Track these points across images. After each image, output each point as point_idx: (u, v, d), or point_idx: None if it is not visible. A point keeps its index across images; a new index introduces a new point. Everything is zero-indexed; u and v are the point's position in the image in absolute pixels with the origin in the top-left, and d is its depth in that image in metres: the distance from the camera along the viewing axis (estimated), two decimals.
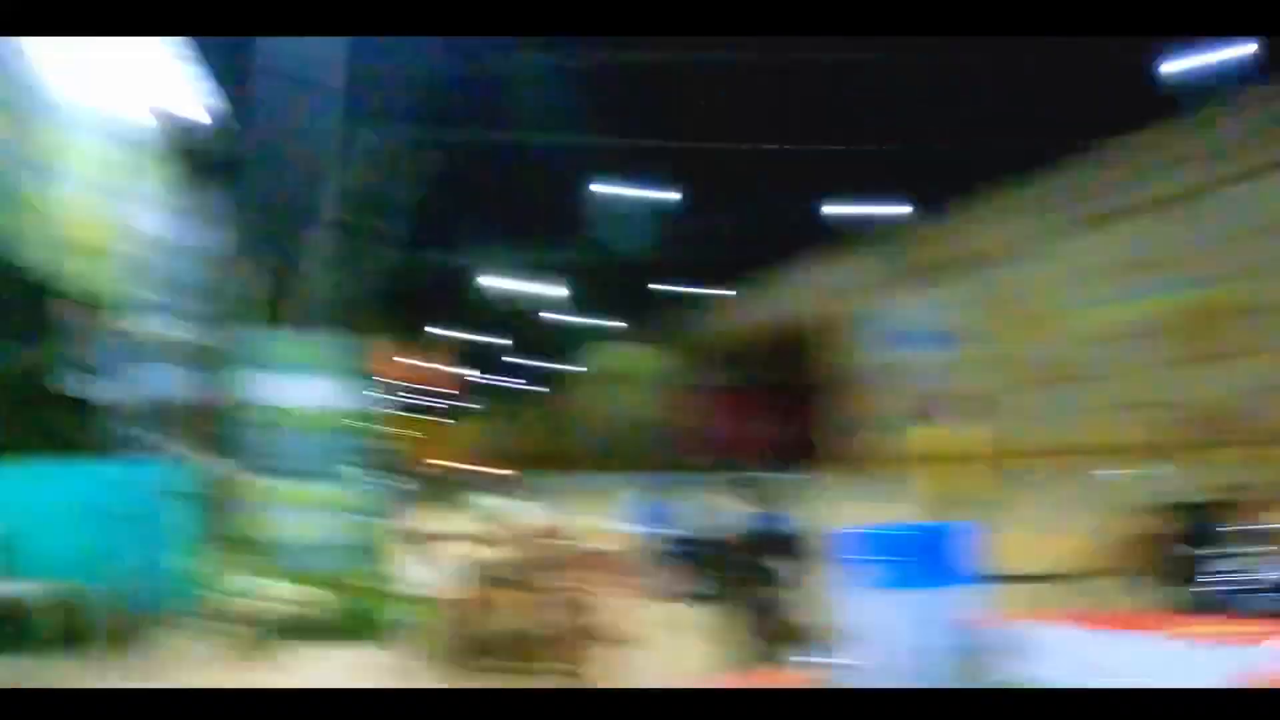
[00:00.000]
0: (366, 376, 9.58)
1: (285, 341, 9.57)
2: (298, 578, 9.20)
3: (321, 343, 9.77)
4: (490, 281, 25.53)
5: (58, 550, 8.19)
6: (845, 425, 22.67)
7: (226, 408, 9.49)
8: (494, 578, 7.75)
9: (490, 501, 10.41)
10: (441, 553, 8.84)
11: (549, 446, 40.47)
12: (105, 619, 7.87)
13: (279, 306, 12.79)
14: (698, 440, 28.96)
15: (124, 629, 7.90)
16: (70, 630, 7.89)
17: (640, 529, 12.18)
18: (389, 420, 9.99)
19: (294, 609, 8.87)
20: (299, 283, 13.15)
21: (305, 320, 11.34)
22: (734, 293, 29.26)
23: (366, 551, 9.32)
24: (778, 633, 6.50)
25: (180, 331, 9.93)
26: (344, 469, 9.28)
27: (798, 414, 25.21)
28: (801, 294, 25.50)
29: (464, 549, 8.50)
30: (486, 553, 8.22)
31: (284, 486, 9.07)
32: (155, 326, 9.59)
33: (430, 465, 31.95)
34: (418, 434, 35.24)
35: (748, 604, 6.82)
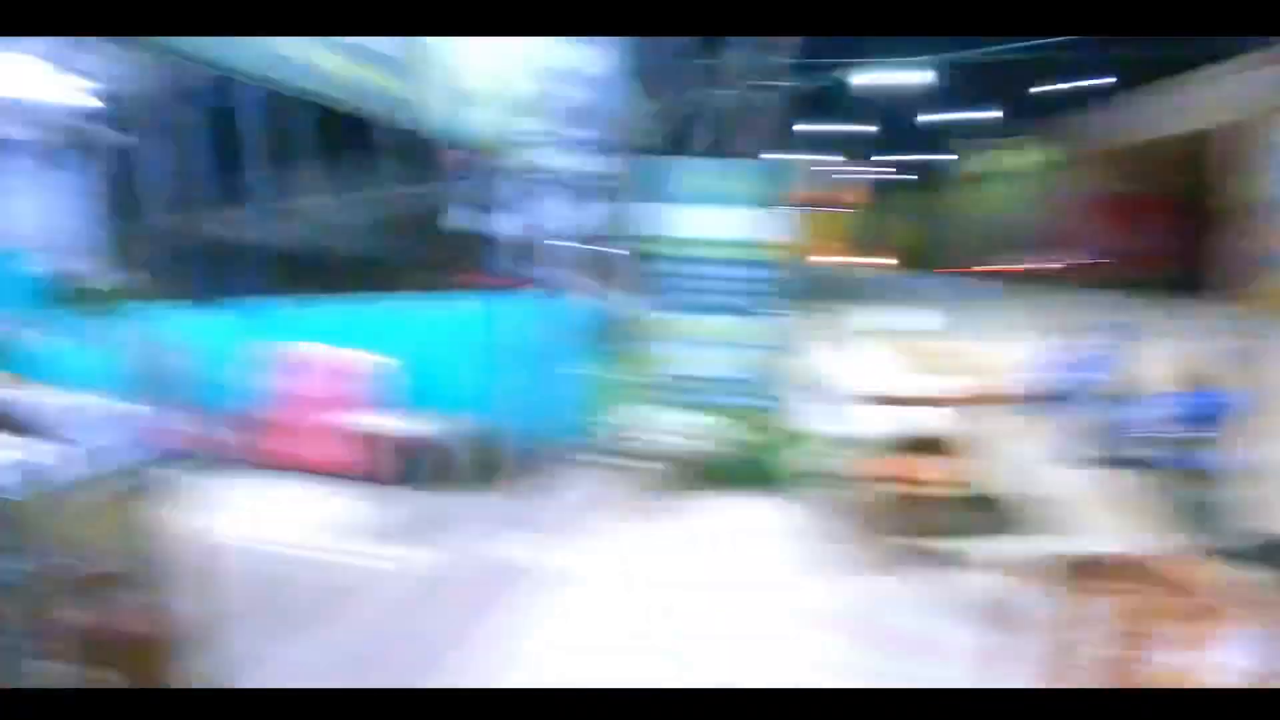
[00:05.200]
0: (775, 201, 8.70)
1: (689, 169, 8.88)
2: (701, 415, 8.81)
3: (727, 168, 9.09)
4: (874, 79, 23.88)
5: (460, 386, 8.48)
6: (1240, 256, 19.28)
7: (627, 240, 9.24)
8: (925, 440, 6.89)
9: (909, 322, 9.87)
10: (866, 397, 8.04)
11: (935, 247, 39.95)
12: (509, 455, 8.13)
13: (681, 133, 12.40)
14: (1086, 252, 27.00)
15: (528, 465, 8.18)
16: (479, 466, 8.17)
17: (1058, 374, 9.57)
18: (792, 247, 8.85)
19: (696, 448, 8.40)
20: (697, 107, 12.61)
21: (708, 147, 10.57)
22: (1136, 97, 25.75)
23: (775, 389, 8.67)
24: (1206, 508, 6.12)
25: (581, 162, 9.58)
26: (751, 300, 8.63)
27: (1189, 236, 22.45)
28: (1208, 106, 21.73)
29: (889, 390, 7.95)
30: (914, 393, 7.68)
31: (687, 320, 8.68)
32: (557, 159, 9.26)
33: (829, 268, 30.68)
34: (818, 248, 33.90)
35: (1176, 475, 6.38)
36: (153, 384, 9.27)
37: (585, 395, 8.56)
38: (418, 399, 8.64)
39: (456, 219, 9.96)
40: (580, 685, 4.09)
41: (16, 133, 11.18)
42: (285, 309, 9.69)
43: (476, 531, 6.91)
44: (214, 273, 9.96)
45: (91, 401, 4.62)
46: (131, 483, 2.99)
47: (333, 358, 8.94)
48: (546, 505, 7.52)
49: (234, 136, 10.31)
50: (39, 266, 11.61)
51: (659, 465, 8.11)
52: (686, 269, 8.59)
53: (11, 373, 9.69)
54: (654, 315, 8.64)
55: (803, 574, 6.35)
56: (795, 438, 8.50)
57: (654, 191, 8.55)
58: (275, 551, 6.63)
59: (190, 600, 5.43)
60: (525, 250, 8.83)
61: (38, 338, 11.18)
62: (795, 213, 9.09)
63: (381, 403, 8.72)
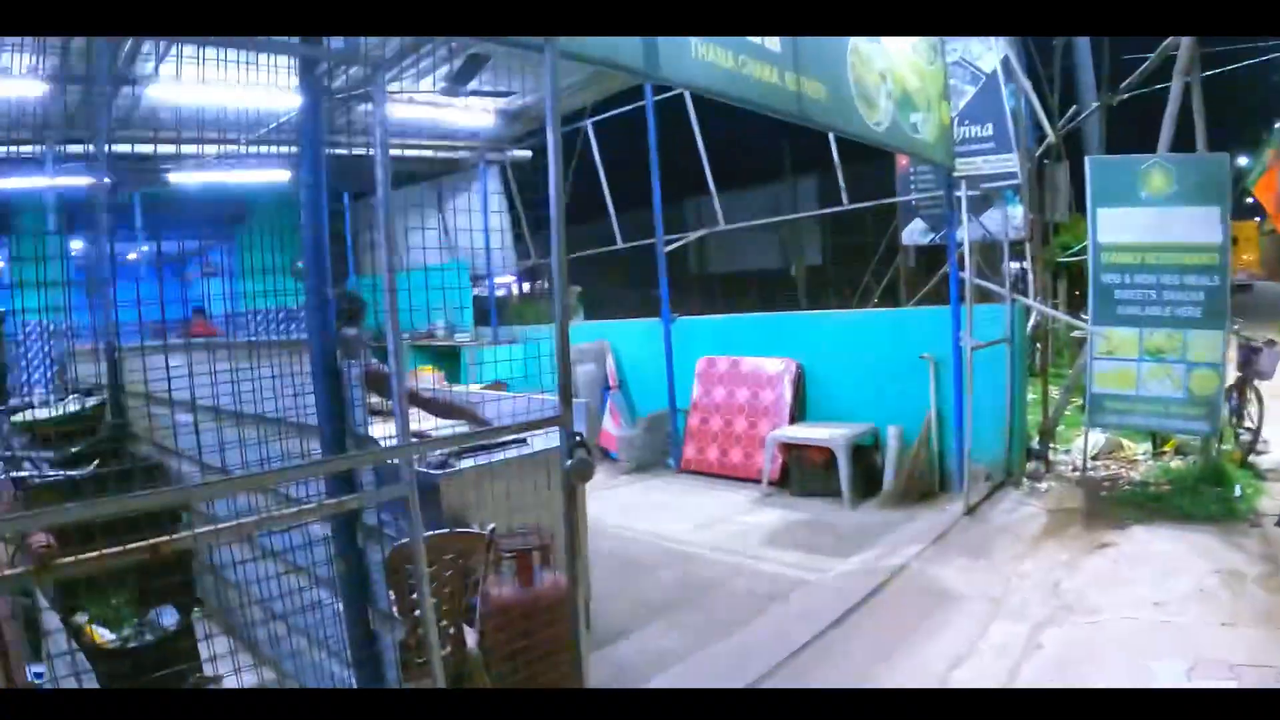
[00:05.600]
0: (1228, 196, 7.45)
1: (1136, 167, 7.51)
2: (1137, 438, 8.41)
3: (1186, 165, 7.51)
4: None
5: (881, 397, 8.29)
6: None
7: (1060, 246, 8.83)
8: None
9: None
10: None
11: None
12: (931, 469, 7.86)
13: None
14: None
15: (951, 481, 7.77)
16: (899, 478, 7.81)
17: None
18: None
19: (1130, 473, 7.78)
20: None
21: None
22: None
23: (1220, 412, 7.49)
24: None
25: (1003, 165, 8.86)
26: (1201, 312, 7.33)
27: None
28: None
29: None
30: None
31: (1126, 333, 7.54)
32: (987, 163, 8.78)
33: None
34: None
35: None
36: (580, 388, 9.73)
37: (1011, 411, 7.86)
38: (840, 409, 8.59)
39: (909, 231, 10.08)
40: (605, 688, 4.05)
41: (456, 154, 11.67)
42: (714, 322, 10.15)
43: (898, 547, 6.41)
44: (639, 286, 10.16)
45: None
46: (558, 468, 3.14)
47: (760, 369, 9.11)
48: (969, 525, 6.86)
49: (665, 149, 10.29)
50: (479, 278, 12.06)
51: (1088, 489, 7.49)
52: (1130, 277, 7.53)
53: (438, 369, 10.16)
54: (1090, 327, 7.72)
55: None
56: (1243, 466, 7.72)
57: (1100, 192, 7.65)
58: (696, 553, 6.70)
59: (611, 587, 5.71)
60: (977, 260, 8.23)
61: (473, 341, 11.75)
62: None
63: (802, 412, 8.80)
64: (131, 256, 18.65)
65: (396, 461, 2.91)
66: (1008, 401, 7.71)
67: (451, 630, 3.54)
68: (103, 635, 4.28)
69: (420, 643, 3.03)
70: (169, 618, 4.38)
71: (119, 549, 2.27)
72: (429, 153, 11.85)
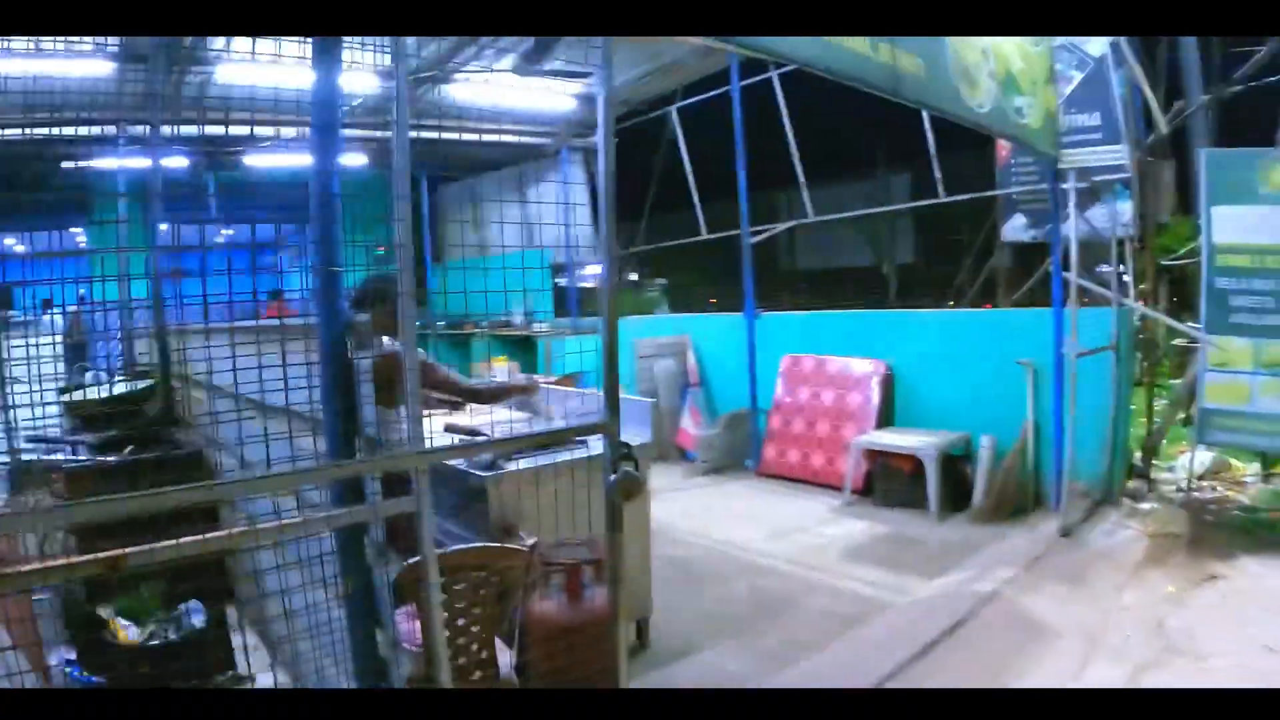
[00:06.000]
0: None
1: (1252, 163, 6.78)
2: (1251, 457, 7.63)
3: None
4: None
5: (975, 405, 7.76)
6: None
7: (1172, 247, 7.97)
8: None
9: None
10: None
11: None
12: (1026, 484, 7.25)
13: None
14: None
15: (1046, 498, 7.19)
16: (991, 493, 7.22)
17: None
18: None
19: (1244, 498, 7.14)
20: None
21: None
22: None
23: None
24: None
25: (1111, 158, 7.74)
26: None
27: None
28: None
29: None
30: None
31: (1243, 344, 6.77)
32: (1094, 155, 7.66)
33: None
34: None
35: None
36: (659, 384, 9.65)
37: (1114, 425, 7.13)
38: (930, 415, 8.08)
39: (1010, 227, 9.54)
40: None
41: (535, 140, 11.65)
42: (800, 318, 9.79)
43: (988, 570, 5.85)
44: (726, 280, 9.89)
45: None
46: (616, 471, 2.82)
47: (847, 369, 8.72)
48: (1065, 549, 6.22)
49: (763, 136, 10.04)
50: (559, 267, 12.08)
51: (1192, 513, 6.76)
52: (1246, 282, 6.74)
53: (512, 359, 10.17)
54: (1202, 336, 6.95)
55: None
56: None
57: (1214, 188, 6.93)
58: (770, 565, 6.34)
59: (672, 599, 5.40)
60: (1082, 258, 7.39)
61: (551, 331, 11.77)
62: None
63: (889, 417, 8.39)
64: (221, 238, 18.94)
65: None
66: (1111, 414, 7.06)
67: (483, 654, 3.23)
68: (126, 630, 4.14)
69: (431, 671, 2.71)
70: (197, 616, 4.20)
71: (158, 544, 2.13)
72: (509, 138, 11.61)
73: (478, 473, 4.12)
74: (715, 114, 9.81)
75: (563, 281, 13.28)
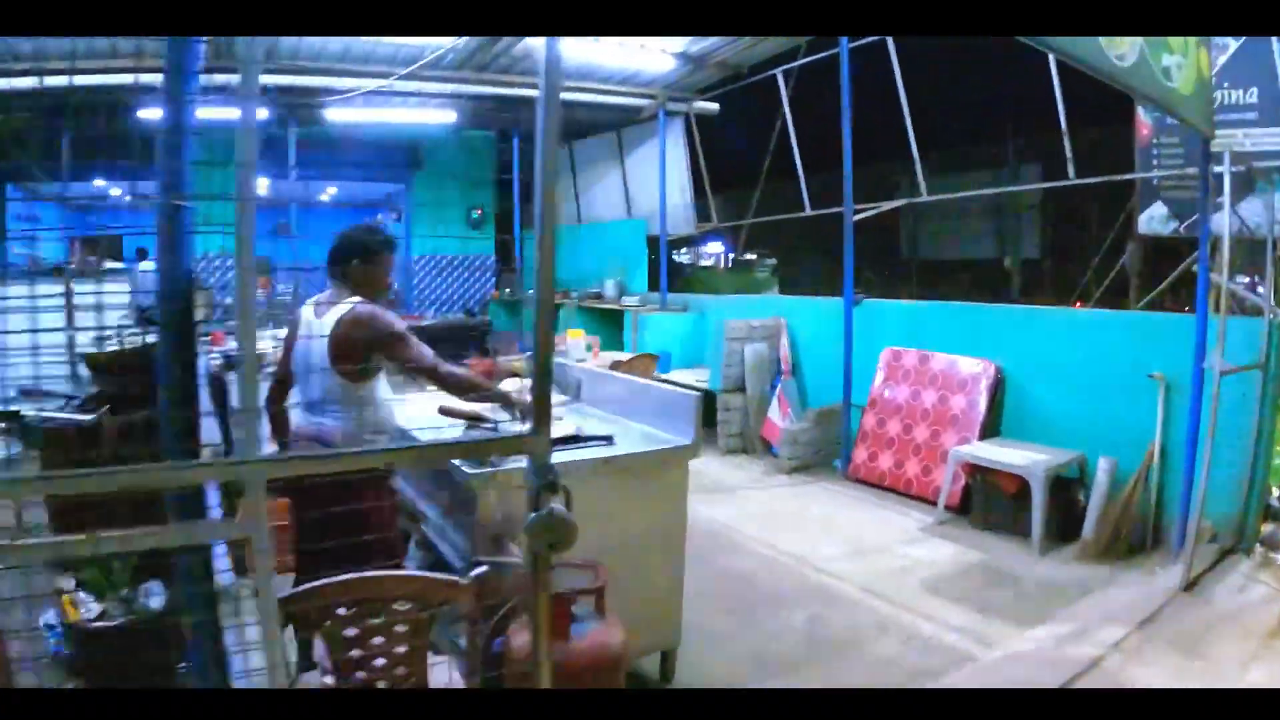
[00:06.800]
0: None
1: None
2: None
3: None
4: None
5: (1085, 416, 6.77)
6: None
7: None
8: None
9: None
10: None
11: None
12: (1138, 516, 6.16)
13: None
14: None
15: (1158, 532, 6.19)
16: (1103, 524, 6.16)
17: None
18: None
19: None
20: None
21: None
22: None
23: None
24: None
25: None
26: None
27: None
28: None
29: None
30: None
31: None
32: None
33: None
34: None
35: None
36: (747, 370, 9.14)
37: (1254, 457, 5.98)
38: (1042, 427, 7.05)
39: (1147, 217, 8.42)
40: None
41: (633, 104, 11.23)
42: (904, 308, 8.76)
43: (1092, 627, 4.81)
44: (830, 264, 9.04)
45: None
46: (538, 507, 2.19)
47: (953, 368, 7.69)
48: (1186, 605, 5.06)
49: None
50: (660, 237, 11.72)
51: None
52: None
53: (594, 334, 9.82)
54: None
55: None
56: None
57: None
58: (841, 590, 5.53)
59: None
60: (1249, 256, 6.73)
61: (640, 306, 11.40)
62: None
63: (996, 426, 7.39)
64: (327, 195, 18.86)
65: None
66: (1252, 444, 5.89)
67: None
68: (82, 607, 3.72)
69: None
70: (156, 598, 3.71)
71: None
72: (599, 98, 10.89)
73: (466, 470, 3.44)
74: (830, 77, 8.90)
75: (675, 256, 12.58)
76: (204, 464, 2.03)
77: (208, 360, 6.85)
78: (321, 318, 3.83)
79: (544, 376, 2.05)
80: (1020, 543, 6.29)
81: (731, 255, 23.56)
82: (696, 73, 10.31)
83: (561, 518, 2.04)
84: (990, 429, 7.26)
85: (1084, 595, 5.34)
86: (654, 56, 9.58)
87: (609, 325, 11.77)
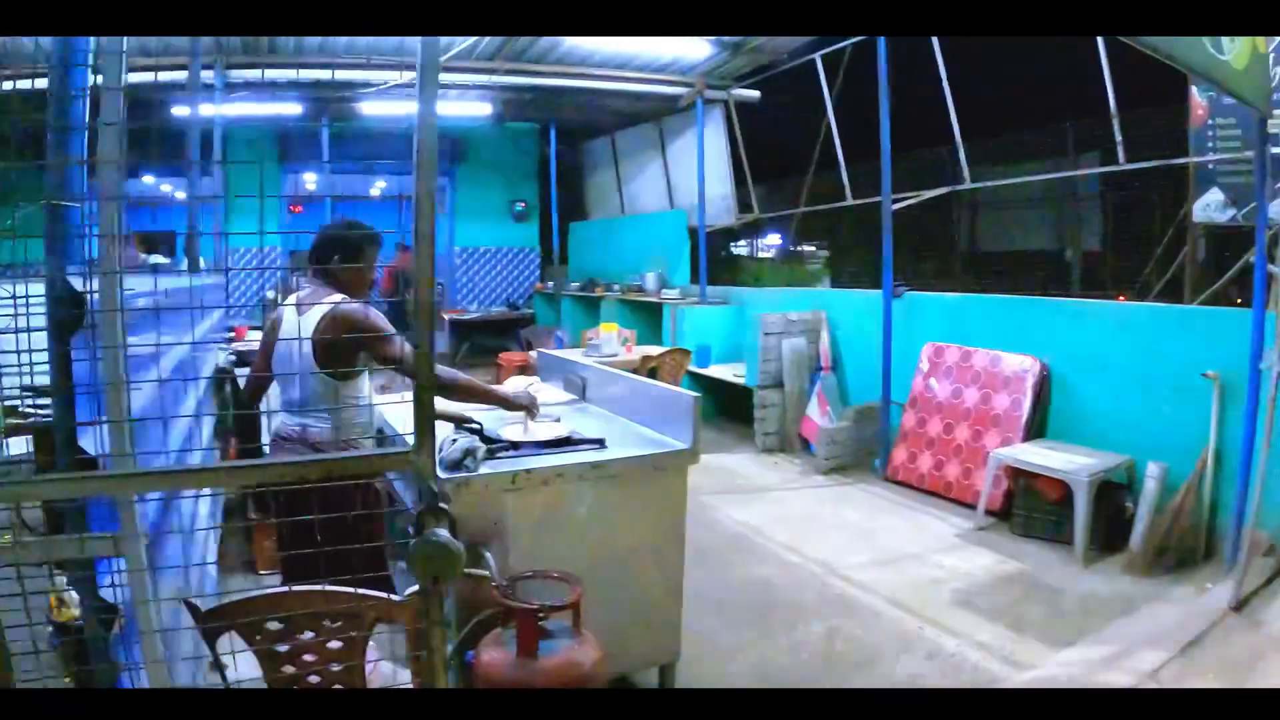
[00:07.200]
0: None
1: None
2: None
3: None
4: None
5: (1135, 417, 6.34)
6: None
7: None
8: None
9: None
10: None
11: None
12: (1189, 526, 5.67)
13: None
14: None
15: (1210, 543, 5.72)
16: (1153, 537, 5.68)
17: None
18: None
19: None
20: None
21: None
22: None
23: None
24: None
25: None
26: None
27: None
28: None
29: None
30: None
31: None
32: None
33: None
34: None
35: None
36: (785, 365, 8.97)
37: None
38: (1089, 429, 6.65)
39: (1202, 205, 8.00)
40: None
41: (671, 93, 11.09)
42: (946, 301, 8.31)
43: (1133, 649, 4.41)
44: (873, 256, 8.69)
45: None
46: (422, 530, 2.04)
47: (996, 364, 7.28)
48: (1235, 628, 4.57)
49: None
50: (699, 229, 11.58)
51: None
52: None
53: (630, 327, 9.71)
54: None
55: None
56: None
57: None
58: (866, 602, 5.21)
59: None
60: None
61: (679, 299, 11.26)
62: None
63: (1041, 426, 6.99)
64: (376, 189, 18.84)
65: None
66: None
67: None
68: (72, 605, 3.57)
69: None
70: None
71: None
72: (637, 87, 10.64)
73: (440, 475, 3.23)
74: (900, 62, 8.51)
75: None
76: (71, 477, 1.83)
77: (227, 356, 6.75)
78: (303, 316, 3.66)
79: (425, 390, 1.81)
80: (1062, 552, 5.92)
81: (787, 247, 23.17)
82: (734, 59, 10.01)
83: (445, 545, 1.79)
84: (1035, 429, 6.88)
85: (1126, 612, 4.96)
86: (689, 42, 9.30)
87: (649, 318, 11.54)
